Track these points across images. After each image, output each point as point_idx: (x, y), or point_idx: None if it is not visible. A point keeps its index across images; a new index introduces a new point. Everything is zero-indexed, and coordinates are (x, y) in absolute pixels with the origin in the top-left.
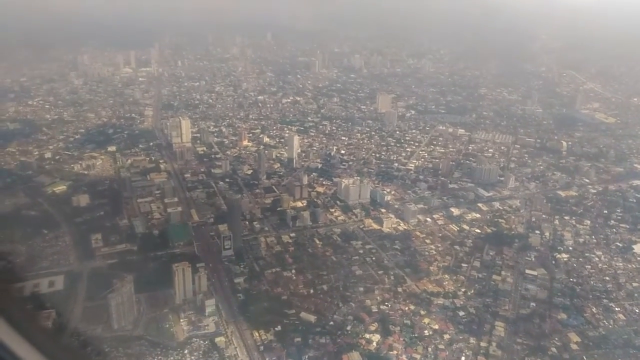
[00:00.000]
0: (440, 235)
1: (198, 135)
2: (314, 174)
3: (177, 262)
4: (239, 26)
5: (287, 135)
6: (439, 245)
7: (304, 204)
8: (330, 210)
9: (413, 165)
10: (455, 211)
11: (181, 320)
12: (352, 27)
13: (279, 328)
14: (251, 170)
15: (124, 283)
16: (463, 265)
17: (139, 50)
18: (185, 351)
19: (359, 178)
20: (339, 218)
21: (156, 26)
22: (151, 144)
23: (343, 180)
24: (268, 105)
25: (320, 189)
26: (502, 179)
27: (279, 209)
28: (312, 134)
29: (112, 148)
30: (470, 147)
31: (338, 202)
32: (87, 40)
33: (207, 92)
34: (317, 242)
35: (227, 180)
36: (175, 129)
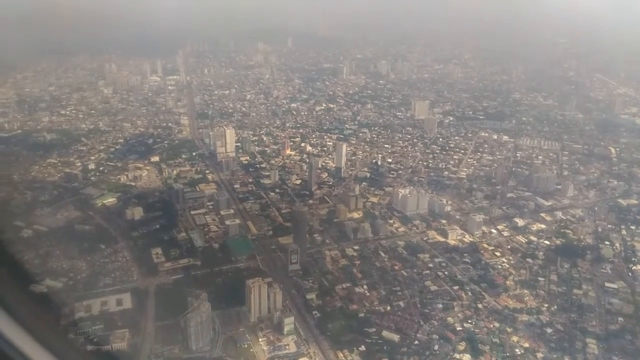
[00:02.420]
0: (509, 247)
1: (239, 144)
2: (363, 183)
3: (244, 277)
4: (258, 32)
5: (329, 143)
6: (510, 258)
7: (361, 215)
8: (389, 221)
9: (465, 173)
10: (519, 222)
11: (260, 339)
12: (371, 32)
13: (362, 348)
14: (300, 180)
15: (200, 301)
16: (540, 279)
17: (163, 58)
18: None
19: (413, 188)
20: (400, 230)
21: (176, 33)
22: (194, 153)
23: (399, 190)
24: (302, 113)
25: (374, 199)
26: (560, 187)
27: (335, 220)
28: (353, 141)
29: (155, 158)
30: (518, 155)
31: (395, 212)
32: (109, 48)
33: (239, 100)
34: (383, 255)
35: (277, 190)
36: (220, 138)
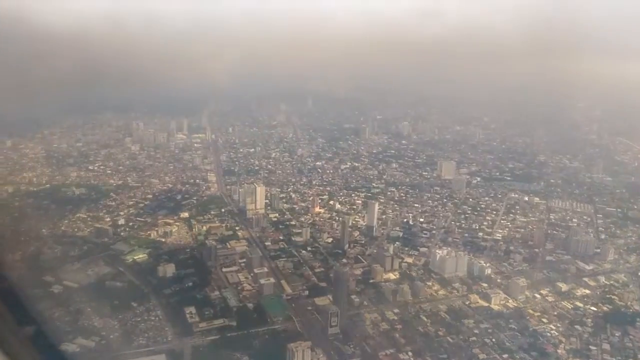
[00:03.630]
0: (555, 313)
1: (267, 201)
2: (397, 243)
3: (282, 340)
4: (278, 94)
5: (357, 201)
6: (558, 325)
7: (397, 276)
8: (427, 283)
9: (500, 235)
10: (562, 286)
11: None
12: (389, 94)
13: None
14: (331, 239)
15: None
16: (592, 347)
17: (188, 117)
18: None
19: (450, 249)
20: (440, 293)
21: (200, 93)
22: (223, 210)
23: (436, 251)
24: (328, 171)
25: (410, 260)
26: (599, 250)
27: (371, 280)
28: (382, 200)
29: (184, 214)
30: (551, 217)
31: (433, 274)
32: (135, 106)
33: (264, 158)
34: (425, 319)
35: (309, 249)
36: (250, 195)
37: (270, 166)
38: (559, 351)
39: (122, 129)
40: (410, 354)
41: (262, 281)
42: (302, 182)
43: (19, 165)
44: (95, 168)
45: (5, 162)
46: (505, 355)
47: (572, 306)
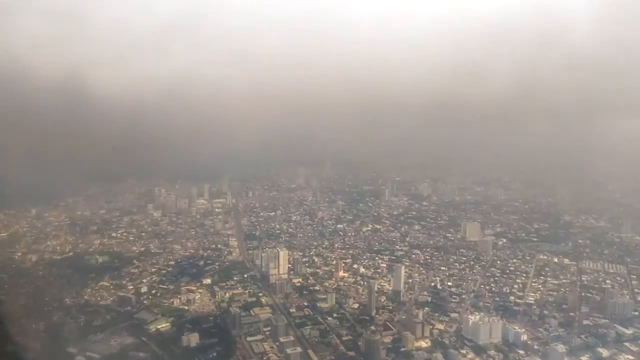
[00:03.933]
0: None
1: (290, 266)
2: (426, 308)
3: None
4: (297, 158)
5: (382, 265)
6: None
7: (429, 344)
8: (461, 351)
9: (532, 298)
10: (603, 352)
11: None
12: (406, 156)
13: None
14: (357, 304)
15: None
16: None
17: (209, 182)
18: None
19: (483, 314)
20: None
21: (219, 158)
22: (245, 275)
23: (469, 316)
24: (349, 234)
25: (441, 326)
26: (637, 313)
27: (403, 349)
28: (407, 263)
29: (207, 280)
30: (583, 278)
31: (466, 341)
32: (156, 173)
33: (285, 222)
34: None
35: (335, 315)
36: (273, 260)
37: (291, 230)
38: None
39: (144, 196)
40: None
41: (289, 351)
42: (324, 246)
43: (43, 233)
44: (118, 235)
45: (30, 231)
46: None
47: None
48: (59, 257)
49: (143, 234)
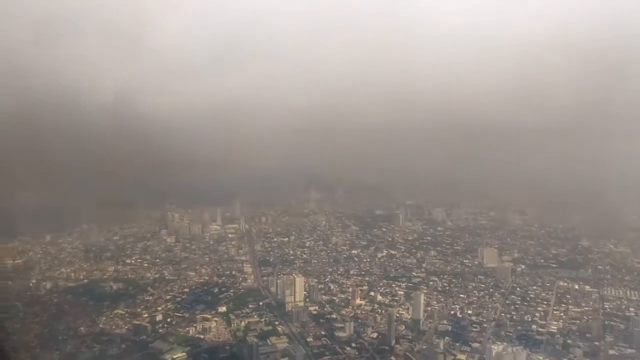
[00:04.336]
0: None
1: (305, 292)
2: (446, 338)
3: None
4: (307, 182)
5: (399, 292)
6: None
7: None
8: None
9: (555, 327)
10: None
11: None
12: (418, 178)
13: None
14: (376, 334)
15: None
16: None
17: (221, 207)
18: None
19: (506, 344)
20: None
21: (230, 183)
22: (261, 303)
23: (492, 347)
24: (365, 260)
25: (462, 357)
26: None
27: None
28: (425, 290)
29: (222, 308)
30: (606, 306)
31: None
32: (168, 198)
33: (298, 247)
34: None
35: (354, 345)
36: (289, 287)
37: (305, 255)
38: None
39: (158, 221)
40: None
41: None
42: (339, 272)
43: (57, 260)
44: (132, 262)
45: (44, 257)
46: None
47: None
48: (73, 284)
49: (157, 260)
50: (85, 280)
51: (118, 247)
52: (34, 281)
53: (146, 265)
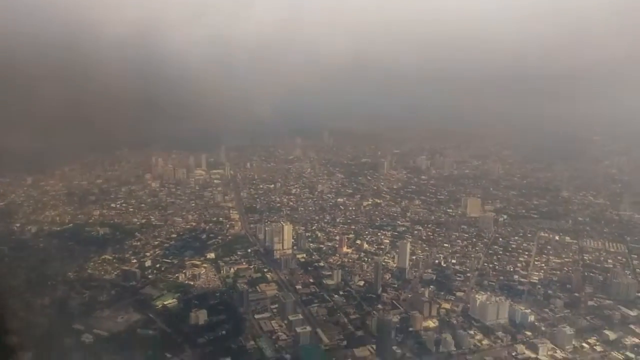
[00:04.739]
0: None
1: (293, 240)
2: (431, 287)
3: None
4: (293, 128)
5: (385, 241)
6: None
7: (436, 324)
8: (469, 332)
9: (536, 278)
10: (610, 335)
11: None
12: (404, 128)
13: None
14: (363, 282)
15: None
16: None
17: (206, 152)
18: None
19: (490, 294)
20: (484, 343)
21: (215, 127)
22: (249, 250)
23: (476, 296)
24: (350, 208)
25: (447, 305)
26: None
27: (410, 329)
28: (409, 239)
29: (211, 255)
30: (585, 257)
31: (474, 321)
32: (152, 142)
33: (285, 195)
34: None
35: (342, 293)
36: (277, 234)
37: (292, 203)
38: None
39: (141, 165)
40: None
41: (298, 329)
42: (325, 220)
43: (41, 203)
44: (117, 206)
45: (27, 200)
46: None
47: (623, 357)
48: (58, 229)
49: (142, 205)
50: (71, 225)
51: (102, 190)
52: (18, 225)
53: (132, 210)
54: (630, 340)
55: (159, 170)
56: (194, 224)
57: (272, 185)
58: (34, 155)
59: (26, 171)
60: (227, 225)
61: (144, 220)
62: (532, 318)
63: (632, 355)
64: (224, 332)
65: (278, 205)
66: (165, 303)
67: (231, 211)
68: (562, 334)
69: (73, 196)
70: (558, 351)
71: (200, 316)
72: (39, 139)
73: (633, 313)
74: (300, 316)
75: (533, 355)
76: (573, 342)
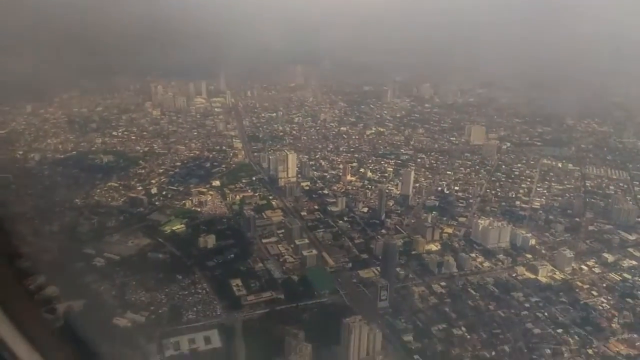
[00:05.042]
0: (604, 286)
1: (297, 169)
2: (434, 212)
3: (331, 314)
4: (294, 56)
5: (388, 169)
6: (609, 297)
7: (439, 247)
8: (471, 255)
9: (538, 203)
10: (608, 257)
11: None
12: (404, 56)
13: None
14: (367, 208)
15: (300, 343)
16: None
17: (205, 80)
18: None
19: (492, 219)
20: (485, 265)
21: (214, 55)
22: (253, 178)
23: (479, 221)
24: (353, 137)
25: (449, 230)
26: None
27: (413, 252)
28: (413, 167)
29: (216, 182)
30: (587, 184)
31: (475, 245)
32: (151, 69)
33: (287, 123)
34: (474, 293)
35: (346, 219)
36: (282, 162)
37: (294, 132)
38: (613, 325)
39: (140, 93)
40: (463, 329)
41: (305, 253)
42: (329, 149)
43: (42, 131)
44: (119, 134)
45: (27, 128)
46: (559, 330)
47: (620, 278)
48: (62, 156)
49: (144, 133)
50: (74, 152)
51: (103, 119)
52: (20, 152)
53: (134, 138)
54: (627, 263)
55: (159, 99)
56: (197, 152)
57: (274, 114)
58: (32, 82)
59: (25, 99)
60: (231, 154)
61: (147, 149)
62: (532, 242)
63: (629, 277)
64: (232, 255)
65: (281, 134)
66: (173, 228)
67: (234, 140)
68: (562, 257)
69: (74, 124)
70: (557, 273)
71: (209, 240)
72: (35, 66)
73: (632, 237)
74: (307, 240)
75: (533, 277)
76: (572, 265)
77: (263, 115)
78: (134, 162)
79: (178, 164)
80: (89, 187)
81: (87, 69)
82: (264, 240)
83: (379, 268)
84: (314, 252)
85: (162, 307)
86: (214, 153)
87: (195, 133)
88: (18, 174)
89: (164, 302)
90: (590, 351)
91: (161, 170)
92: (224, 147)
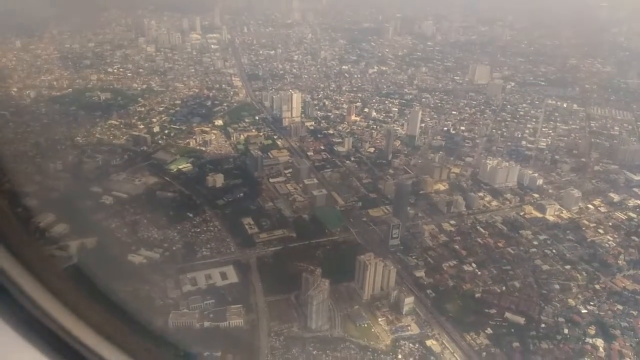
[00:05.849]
0: (610, 224)
1: (302, 108)
2: (440, 152)
3: (344, 251)
4: None
5: (393, 109)
6: (615, 235)
7: (447, 187)
8: (479, 194)
9: (544, 143)
10: (614, 197)
11: (378, 319)
12: None
13: (489, 331)
14: (373, 148)
15: (318, 278)
16: None
17: (199, 15)
18: (400, 356)
19: (500, 159)
20: (492, 204)
21: None
22: (257, 117)
23: (487, 161)
24: (355, 76)
25: (456, 170)
26: None
27: (422, 192)
28: (417, 107)
29: (219, 122)
30: (592, 125)
31: (483, 185)
32: (141, 2)
33: (287, 61)
34: (483, 231)
35: (353, 159)
36: (286, 102)
37: (295, 70)
38: (619, 262)
39: (133, 28)
40: (474, 265)
41: (315, 193)
42: (331, 88)
43: (34, 67)
44: (114, 71)
45: (19, 64)
46: (567, 267)
47: (625, 217)
48: (58, 93)
49: (140, 70)
50: (70, 90)
51: (96, 54)
52: (15, 89)
53: (130, 75)
54: (633, 202)
55: (153, 34)
56: (196, 90)
57: (273, 52)
58: (19, 17)
59: (13, 33)
60: (231, 93)
61: (144, 86)
62: (540, 182)
63: (635, 215)
64: (241, 194)
65: (281, 72)
66: (179, 167)
67: (233, 78)
68: (569, 196)
69: (67, 60)
70: (564, 212)
71: (217, 180)
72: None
73: (637, 177)
74: (315, 180)
75: (540, 215)
76: (579, 204)
77: (261, 52)
78: (133, 99)
79: (178, 102)
80: (89, 125)
81: (75, 2)
82: (271, 180)
83: (388, 207)
84: (324, 191)
85: (175, 245)
86: (213, 91)
87: (193, 70)
88: (14, 112)
89: (177, 240)
90: (597, 287)
91: (161, 109)
92: (223, 85)
